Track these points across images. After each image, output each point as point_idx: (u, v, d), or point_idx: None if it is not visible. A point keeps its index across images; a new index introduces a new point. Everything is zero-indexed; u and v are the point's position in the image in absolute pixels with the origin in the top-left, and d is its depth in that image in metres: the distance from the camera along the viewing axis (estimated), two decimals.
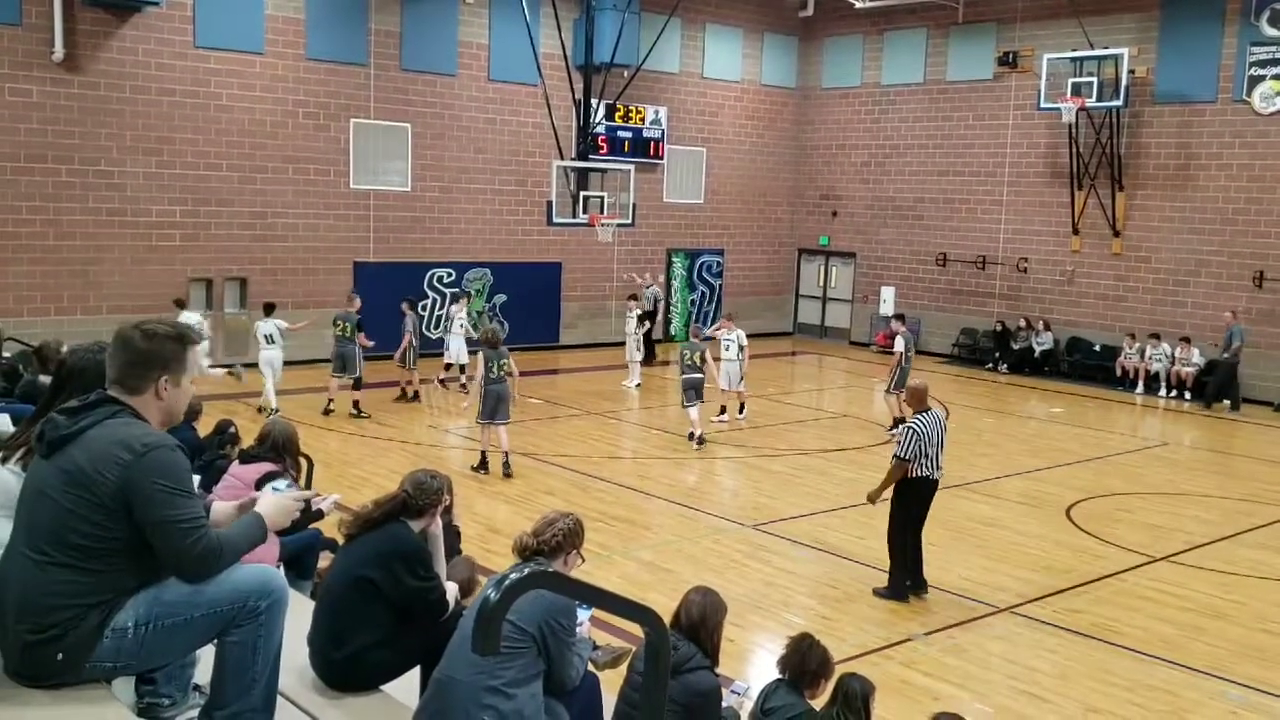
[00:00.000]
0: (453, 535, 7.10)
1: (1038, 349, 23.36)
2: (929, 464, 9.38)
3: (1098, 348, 22.89)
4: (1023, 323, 23.69)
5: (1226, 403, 20.49)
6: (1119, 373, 21.90)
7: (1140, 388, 21.46)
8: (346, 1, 20.73)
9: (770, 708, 5.32)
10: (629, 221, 20.41)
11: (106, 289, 18.67)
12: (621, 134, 24.50)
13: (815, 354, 26.12)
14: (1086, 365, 22.86)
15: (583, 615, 5.07)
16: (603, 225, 19.50)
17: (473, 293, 22.59)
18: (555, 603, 4.29)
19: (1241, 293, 21.00)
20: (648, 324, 20.84)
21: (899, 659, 8.35)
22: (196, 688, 4.02)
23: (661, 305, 22.16)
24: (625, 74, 21.16)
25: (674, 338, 25.56)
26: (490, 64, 22.67)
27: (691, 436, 15.39)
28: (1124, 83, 21.39)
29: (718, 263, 27.25)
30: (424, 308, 22.09)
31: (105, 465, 3.27)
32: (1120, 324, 22.56)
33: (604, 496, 12.66)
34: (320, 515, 6.76)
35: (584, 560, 4.90)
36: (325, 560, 7.07)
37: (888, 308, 26.18)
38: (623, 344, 21.54)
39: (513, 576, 2.57)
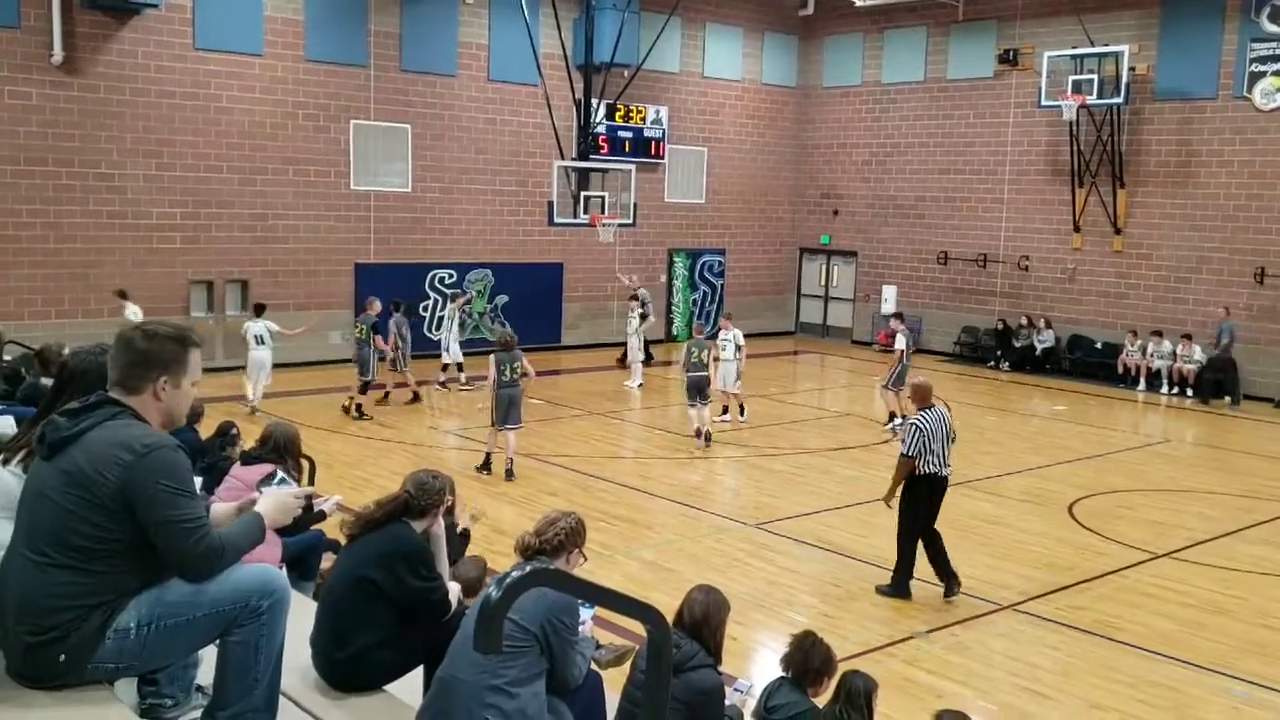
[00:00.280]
0: (457, 538, 7.09)
1: (1039, 347, 23.35)
2: (935, 460, 9.37)
3: (1099, 345, 22.88)
4: (1024, 321, 23.68)
5: (1227, 399, 20.50)
6: (1121, 370, 21.89)
7: (1142, 385, 21.45)
8: (346, 3, 20.73)
9: (773, 705, 5.32)
10: (630, 221, 20.41)
11: (107, 292, 18.62)
12: (622, 134, 24.49)
13: (817, 353, 26.11)
14: (1088, 363, 22.85)
15: (585, 614, 5.07)
16: (604, 225, 19.49)
17: (473, 294, 22.59)
18: (558, 601, 4.29)
19: (1243, 289, 20.99)
20: (640, 323, 20.78)
21: (902, 657, 8.35)
22: (199, 688, 4.02)
23: (650, 306, 22.15)
24: (625, 74, 21.16)
25: (676, 338, 25.57)
26: (490, 64, 22.67)
27: (699, 434, 15.36)
28: (1124, 80, 21.38)
29: (719, 262, 27.24)
30: (424, 309, 22.11)
31: (106, 466, 3.27)
32: (1122, 321, 22.55)
33: (606, 496, 12.66)
34: (322, 516, 6.78)
35: (586, 559, 4.90)
36: (328, 561, 7.07)
37: (889, 306, 26.16)
38: (624, 344, 21.58)
39: (514, 575, 2.57)
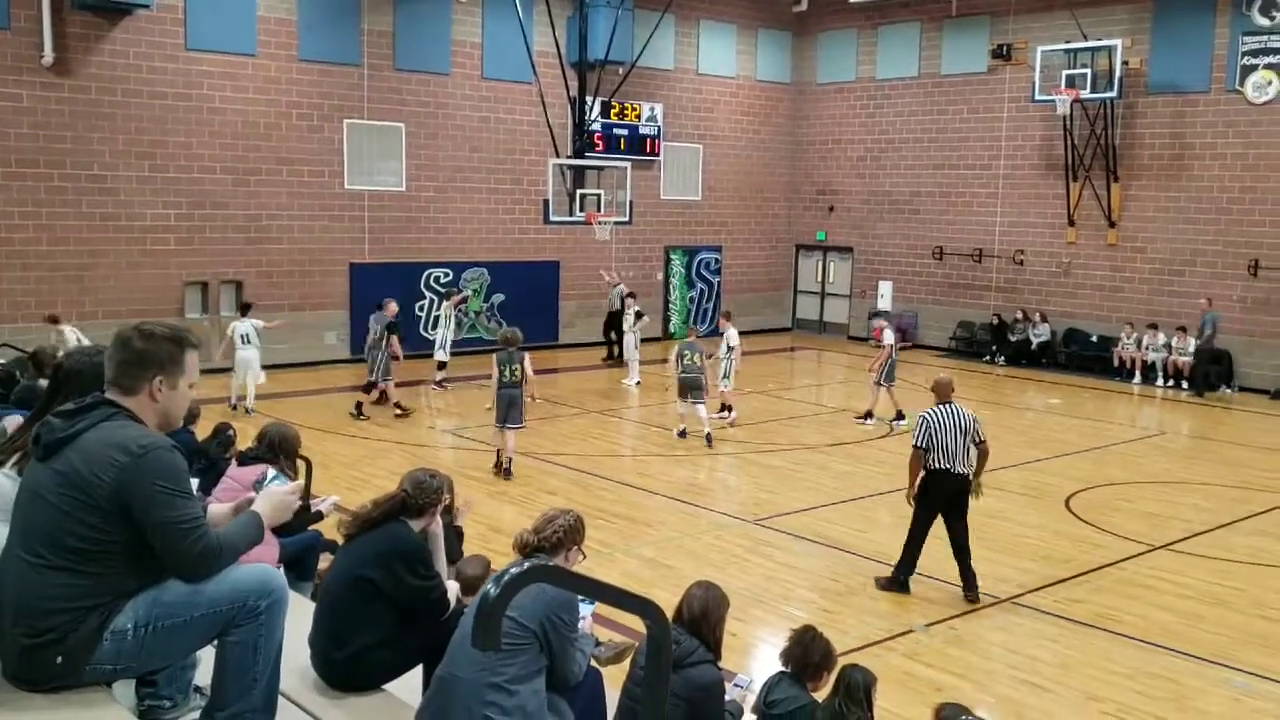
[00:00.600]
0: (454, 536, 7.08)
1: (1034, 341, 23.38)
2: (946, 457, 9.30)
3: (1094, 339, 22.91)
4: (1019, 315, 23.71)
5: (1226, 390, 20.54)
6: (1116, 363, 21.92)
7: (1137, 378, 21.47)
8: (339, 2, 20.70)
9: (773, 700, 5.33)
10: (626, 219, 20.40)
11: (101, 294, 18.63)
12: (617, 131, 24.49)
13: (814, 349, 26.12)
14: (1083, 356, 22.88)
15: (585, 611, 5.06)
16: (600, 223, 19.47)
17: (469, 292, 22.57)
18: (557, 598, 4.29)
19: (1237, 281, 21.03)
20: (636, 320, 20.74)
21: (901, 650, 8.35)
22: (197, 689, 4.01)
23: (630, 303, 22.17)
24: (620, 71, 21.15)
25: (673, 335, 25.57)
26: (484, 62, 22.65)
27: (683, 434, 15.52)
28: (1118, 74, 21.40)
29: (715, 259, 27.24)
30: (421, 308, 22.09)
31: (101, 468, 3.25)
32: (1117, 315, 22.58)
33: (605, 494, 12.66)
34: (320, 516, 6.76)
35: (585, 557, 4.89)
36: (325, 562, 7.05)
37: (885, 302, 26.24)
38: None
39: (513, 571, 2.56)
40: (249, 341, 16.31)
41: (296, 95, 20.41)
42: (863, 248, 27.24)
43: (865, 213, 27.08)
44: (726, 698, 5.09)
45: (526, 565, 3.95)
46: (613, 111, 23.70)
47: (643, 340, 20.76)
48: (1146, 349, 21.50)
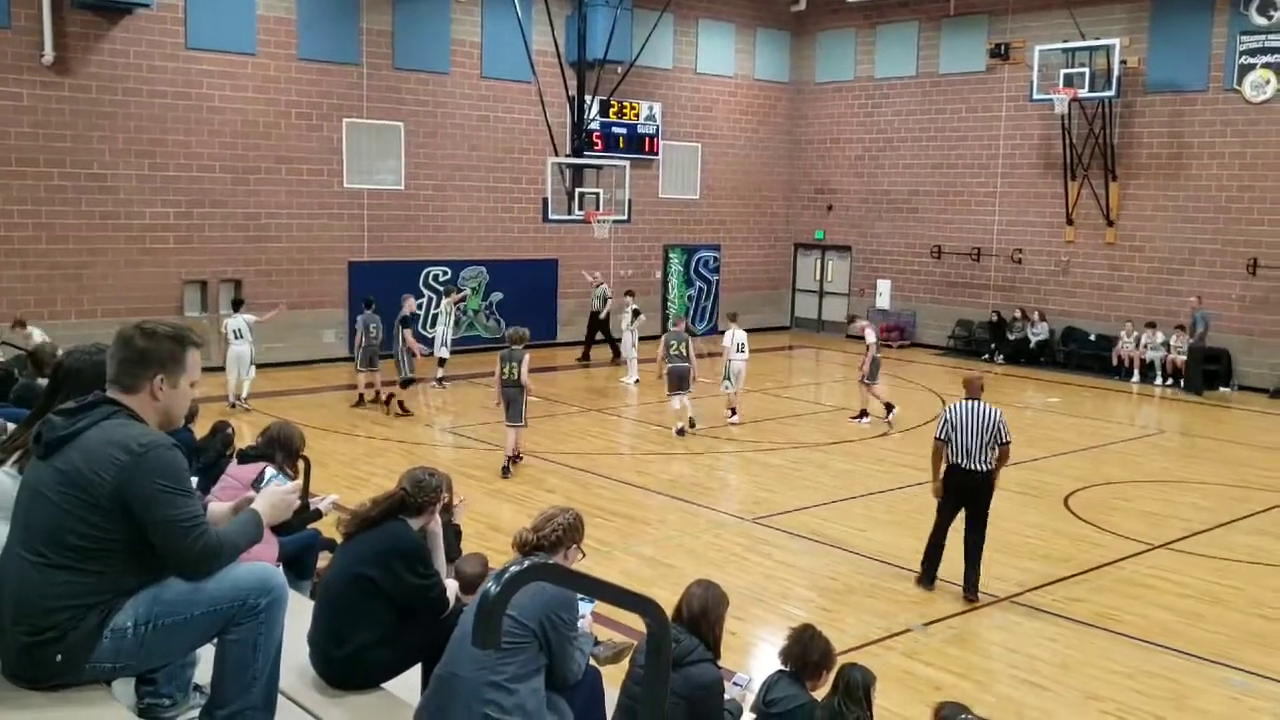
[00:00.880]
0: (452, 535, 7.08)
1: (1033, 339, 23.39)
2: (962, 452, 9.33)
3: (1093, 337, 22.92)
4: (1018, 313, 23.72)
5: (1225, 389, 20.57)
6: (1116, 362, 21.93)
7: (1136, 376, 21.48)
8: (338, 1, 20.69)
9: (772, 699, 5.33)
10: (625, 218, 20.39)
11: (100, 292, 18.63)
12: (616, 130, 24.48)
13: (812, 348, 26.12)
14: (1082, 355, 22.89)
15: (584, 609, 5.07)
16: (599, 222, 19.47)
17: (468, 290, 22.56)
18: (556, 597, 4.29)
19: (1235, 280, 21.04)
20: (633, 319, 20.73)
21: (900, 649, 8.36)
22: (197, 688, 4.01)
23: (610, 303, 22.22)
24: (619, 70, 21.15)
25: None
26: (483, 61, 22.64)
27: (686, 429, 15.55)
28: (1116, 73, 21.41)
29: (714, 258, 27.25)
30: (420, 306, 22.08)
31: (102, 466, 3.26)
32: (1115, 313, 22.59)
33: (604, 493, 12.66)
34: (319, 515, 6.77)
35: (584, 555, 4.89)
36: (325, 560, 7.05)
37: (884, 301, 26.30)
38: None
39: (513, 570, 2.56)
40: (241, 337, 16.45)
41: (296, 94, 20.41)
42: (861, 247, 27.25)
43: (863, 212, 27.09)
44: (726, 696, 5.10)
45: (526, 564, 3.95)
46: (611, 110, 23.70)
47: (641, 339, 20.75)
48: (1145, 348, 21.52)
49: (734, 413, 16.61)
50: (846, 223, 27.49)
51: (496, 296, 23.44)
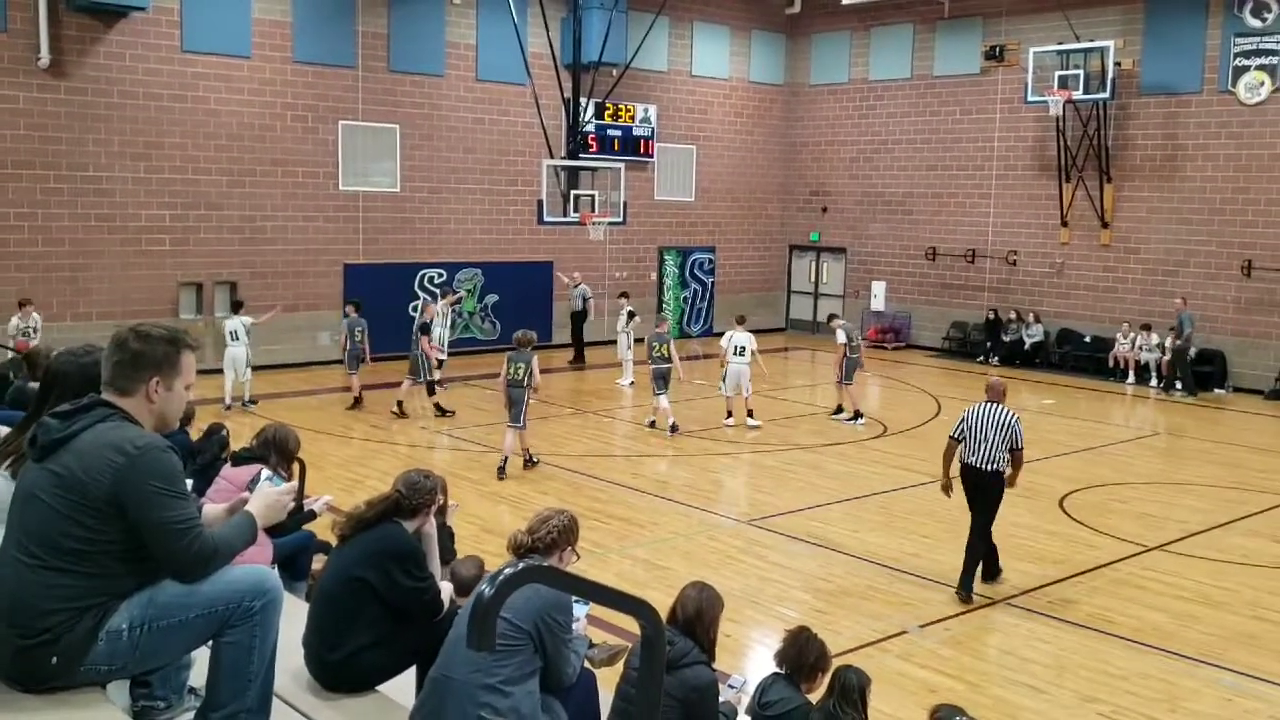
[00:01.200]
0: (446, 537, 7.08)
1: (1028, 341, 23.42)
2: (973, 451, 9.50)
3: (1088, 339, 22.95)
4: (1013, 315, 23.75)
5: (1219, 391, 20.61)
6: (1112, 363, 21.96)
7: (1131, 378, 21.52)
8: (333, 4, 20.69)
9: (767, 701, 5.33)
10: (620, 220, 20.41)
11: (96, 295, 18.61)
12: (611, 132, 24.49)
13: (808, 349, 26.13)
14: (1077, 356, 22.92)
15: (580, 612, 5.07)
16: (594, 224, 19.49)
17: (463, 292, 22.55)
18: (551, 599, 4.29)
19: (1230, 282, 21.09)
20: (628, 321, 20.70)
21: (895, 652, 8.37)
22: (192, 690, 4.01)
23: (591, 304, 22.19)
24: (614, 73, 21.17)
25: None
26: (478, 64, 22.64)
27: (658, 425, 15.88)
28: (1110, 75, 21.45)
29: (709, 260, 27.26)
30: (414, 308, 22.07)
31: (97, 469, 3.26)
32: (1110, 315, 22.62)
33: (599, 495, 12.66)
34: (312, 516, 6.76)
35: (579, 557, 4.89)
36: (319, 563, 7.05)
37: (879, 302, 26.35)
38: (614, 342, 21.60)
39: (508, 572, 2.56)
40: (237, 338, 16.51)
41: (291, 97, 20.40)
42: (856, 248, 27.28)
43: (858, 213, 27.12)
44: (720, 699, 5.10)
45: (521, 566, 3.96)
46: (606, 113, 23.71)
47: (636, 340, 20.75)
48: (1140, 349, 21.55)
49: (729, 415, 16.59)
50: (841, 224, 27.52)
51: (492, 299, 23.44)
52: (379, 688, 4.76)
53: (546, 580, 2.79)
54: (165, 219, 19.27)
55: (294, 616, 4.57)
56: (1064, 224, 23.31)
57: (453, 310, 20.26)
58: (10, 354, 11.51)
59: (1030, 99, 22.52)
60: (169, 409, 3.52)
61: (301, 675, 4.69)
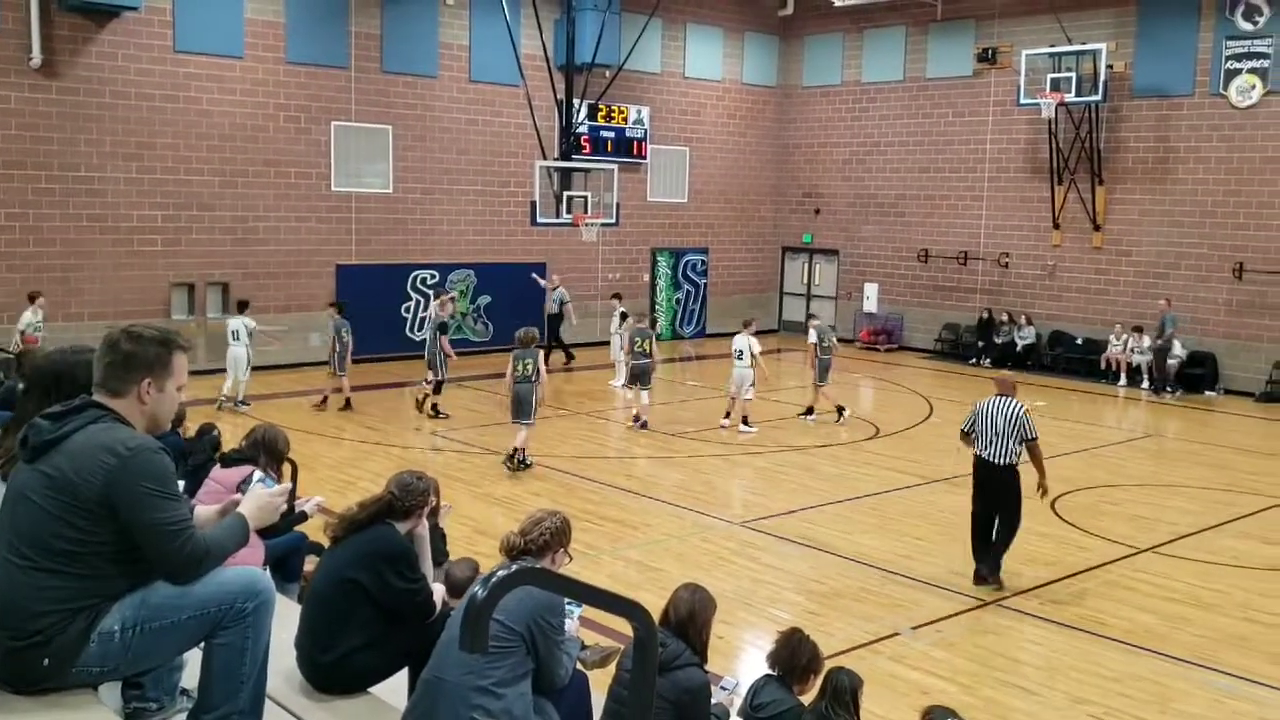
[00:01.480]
0: (438, 538, 7.08)
1: (1020, 343, 23.46)
2: (984, 444, 9.76)
3: (1080, 341, 23.00)
4: (1005, 317, 23.79)
5: (1209, 394, 20.67)
6: (1105, 365, 22.02)
7: (1123, 380, 21.58)
8: (326, 4, 20.66)
9: (760, 703, 5.33)
10: (613, 221, 20.41)
11: (87, 295, 18.56)
12: (604, 134, 24.50)
13: (800, 351, 26.11)
14: (1069, 359, 22.97)
15: (573, 613, 5.07)
16: (587, 225, 19.47)
17: (456, 294, 22.52)
18: (543, 601, 4.29)
19: (1222, 284, 21.15)
20: (621, 322, 20.67)
21: (887, 653, 8.37)
22: (184, 692, 4.01)
23: (570, 307, 22.16)
24: (607, 74, 21.15)
25: (660, 337, 25.54)
26: (471, 65, 22.63)
27: (636, 419, 16.19)
28: (1102, 77, 21.51)
29: (702, 261, 27.28)
30: (407, 309, 22.07)
31: (89, 470, 3.25)
32: (1102, 318, 22.68)
33: (591, 496, 12.66)
34: (304, 517, 6.75)
35: (571, 559, 4.89)
36: (311, 564, 7.03)
37: (871, 304, 26.40)
38: (608, 343, 21.61)
39: (500, 574, 2.57)
40: (239, 338, 16.51)
41: (284, 97, 20.37)
42: (848, 250, 27.31)
43: (851, 215, 27.15)
44: (713, 701, 5.10)
45: (514, 568, 3.96)
46: (600, 114, 23.71)
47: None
48: (1131, 351, 21.61)
49: (727, 415, 16.58)
50: (834, 226, 27.55)
51: (484, 300, 23.42)
52: (371, 689, 4.75)
53: (539, 582, 2.79)
54: (157, 219, 19.23)
55: (286, 618, 4.57)
56: (1056, 226, 23.37)
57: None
58: (4, 353, 11.49)
59: (1022, 101, 22.57)
60: (161, 410, 3.52)
61: (294, 677, 4.68)
